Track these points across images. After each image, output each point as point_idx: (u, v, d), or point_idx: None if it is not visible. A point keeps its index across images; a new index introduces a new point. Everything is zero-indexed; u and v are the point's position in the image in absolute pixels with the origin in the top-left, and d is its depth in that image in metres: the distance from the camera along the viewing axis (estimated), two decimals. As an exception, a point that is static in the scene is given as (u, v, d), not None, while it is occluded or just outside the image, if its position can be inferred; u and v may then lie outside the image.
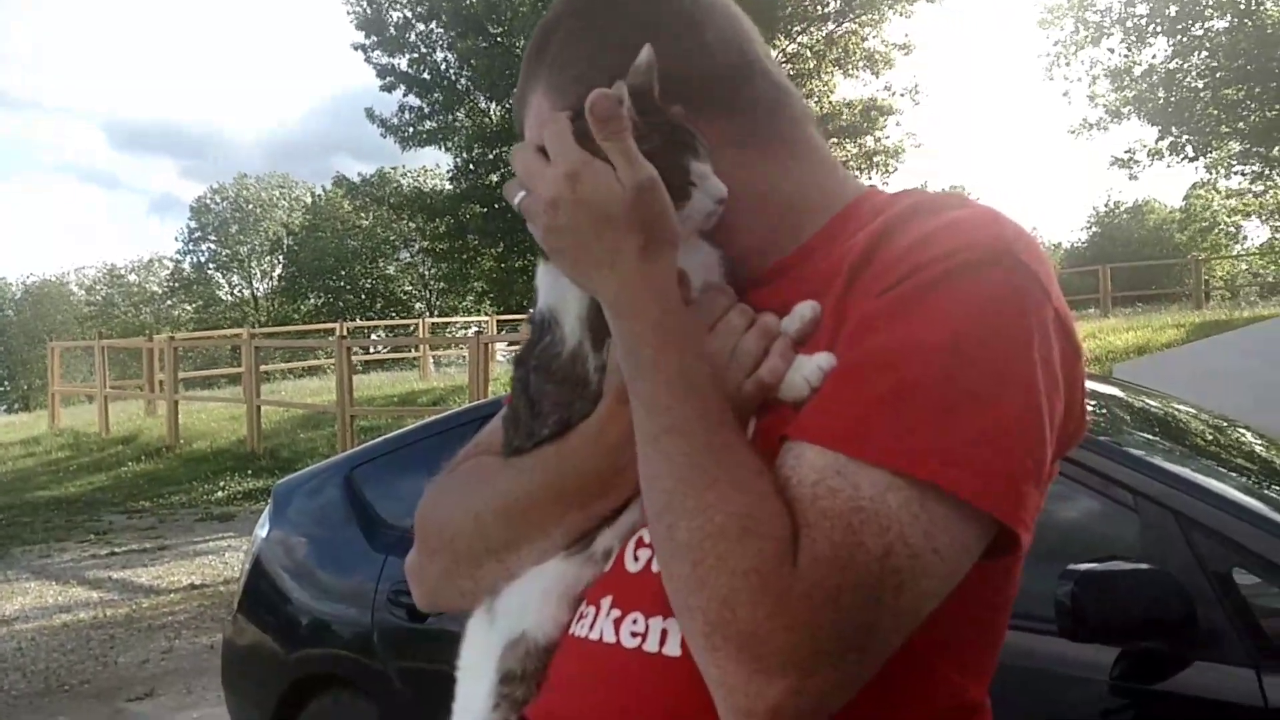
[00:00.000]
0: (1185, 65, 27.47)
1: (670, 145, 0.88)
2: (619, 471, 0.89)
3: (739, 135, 0.96)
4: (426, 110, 28.05)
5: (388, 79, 27.62)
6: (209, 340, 35.26)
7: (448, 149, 28.39)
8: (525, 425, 0.97)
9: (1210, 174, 31.53)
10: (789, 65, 24.45)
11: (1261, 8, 26.12)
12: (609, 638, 0.89)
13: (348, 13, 27.40)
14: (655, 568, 0.85)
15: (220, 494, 13.02)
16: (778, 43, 24.78)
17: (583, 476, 0.92)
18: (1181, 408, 3.55)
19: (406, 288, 54.26)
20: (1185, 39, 27.14)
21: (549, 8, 1.03)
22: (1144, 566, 2.17)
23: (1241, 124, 27.53)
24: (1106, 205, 57.30)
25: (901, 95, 27.26)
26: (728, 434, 0.80)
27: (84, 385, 25.39)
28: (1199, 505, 2.31)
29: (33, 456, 17.32)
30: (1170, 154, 28.54)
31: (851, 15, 26.35)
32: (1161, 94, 27.44)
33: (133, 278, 63.81)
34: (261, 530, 4.01)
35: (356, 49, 27.56)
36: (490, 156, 26.99)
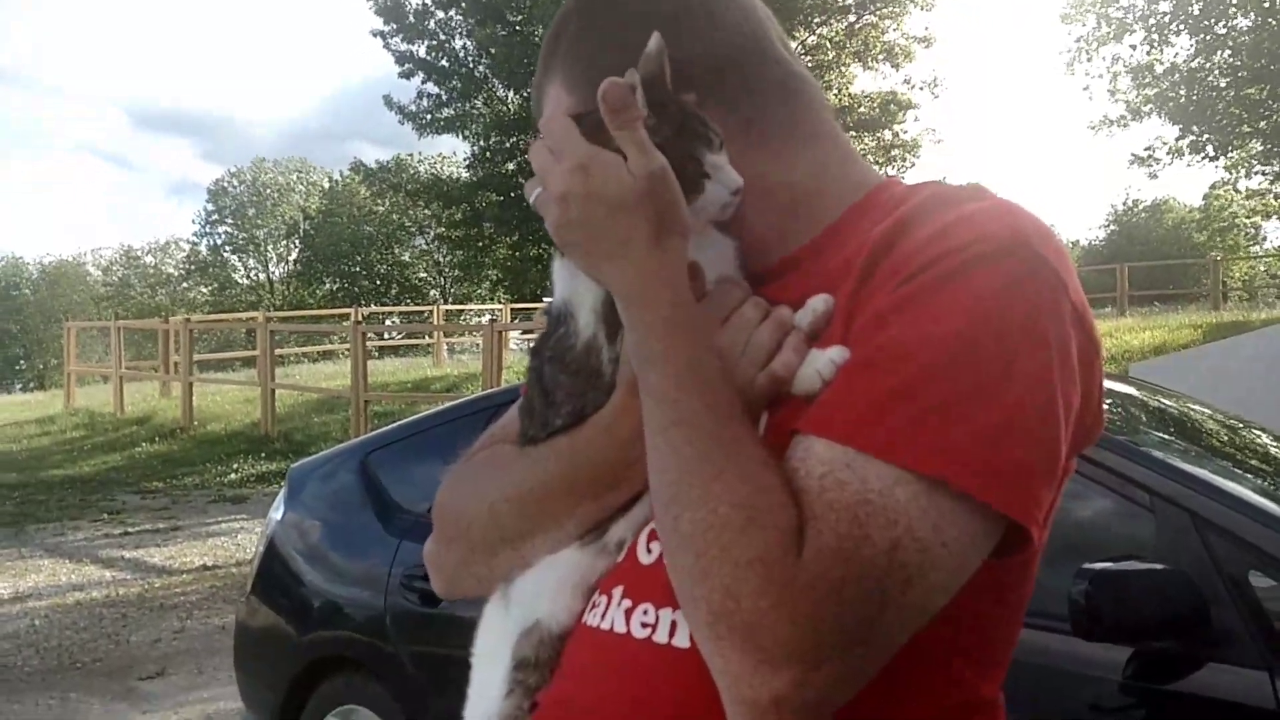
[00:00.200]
0: (1208, 64, 27.28)
1: (682, 135, 0.88)
2: (631, 463, 0.89)
3: (751, 124, 0.96)
4: (444, 97, 28.02)
5: (406, 66, 27.60)
6: (224, 323, 35.44)
7: (465, 137, 28.36)
8: (540, 416, 0.97)
9: (1230, 174, 31.32)
10: (809, 57, 24.35)
11: (1286, 6, 25.91)
12: (620, 628, 0.89)
13: (367, -1, 27.44)
14: None
15: (233, 476, 13.08)
16: (797, 34, 24.70)
17: (595, 467, 0.92)
18: (1197, 408, 3.53)
19: (421, 274, 54.38)
20: (1208, 37, 26.94)
21: None
22: (1159, 567, 2.17)
23: (1263, 124, 27.34)
24: (1125, 204, 57.16)
25: (920, 89, 27.17)
26: (736, 427, 0.80)
27: (99, 365, 25.51)
28: (1215, 506, 2.30)
29: (48, 436, 17.42)
30: (1190, 152, 28.37)
31: (872, 8, 26.25)
32: (1183, 92, 27.27)
33: (149, 259, 64.06)
34: (276, 513, 4.03)
35: (375, 35, 27.55)
36: (507, 145, 26.98)
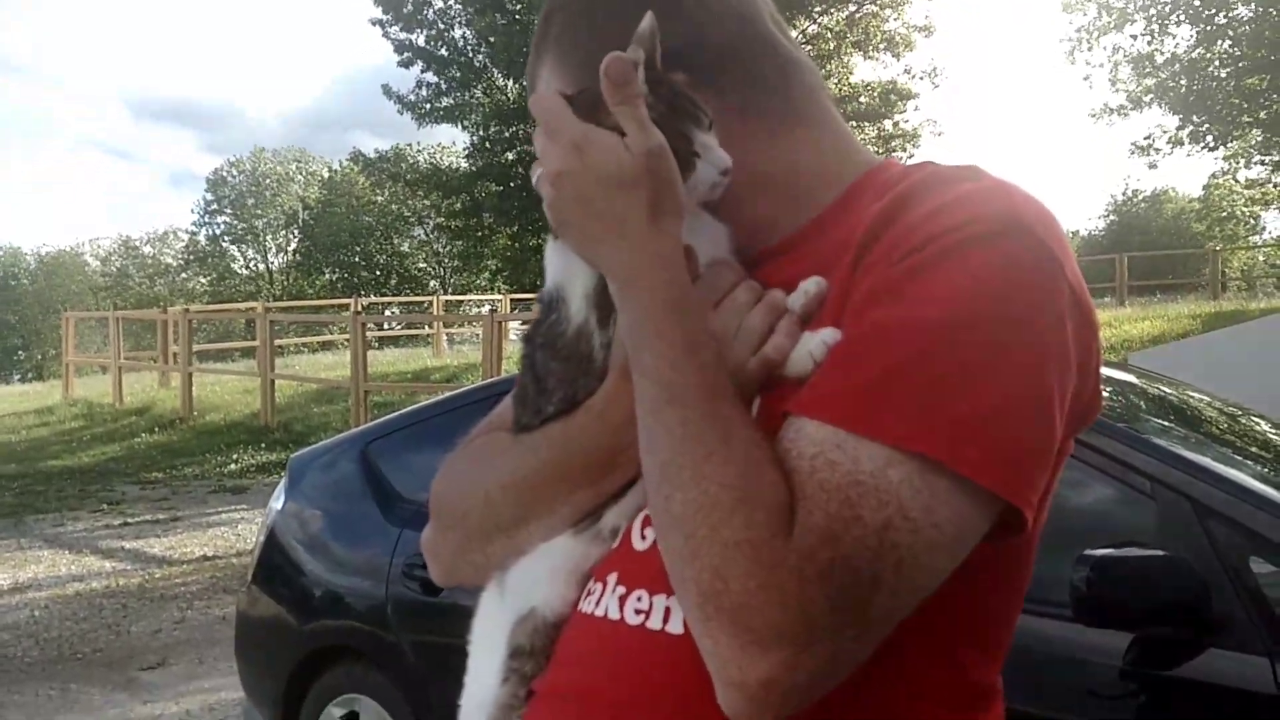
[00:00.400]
0: (1208, 54, 27.23)
1: (673, 114, 0.87)
2: (624, 449, 0.88)
3: (744, 105, 0.96)
4: (443, 87, 27.94)
5: (405, 55, 27.50)
6: (223, 313, 35.47)
7: (464, 126, 28.28)
8: (532, 403, 0.97)
9: (1230, 164, 31.28)
10: (809, 46, 24.29)
11: (1287, -4, 25.85)
12: (614, 615, 0.89)
13: (366, -13, 27.34)
14: None
15: (233, 466, 13.08)
16: (798, 24, 24.62)
17: (588, 454, 0.91)
18: (1196, 395, 3.53)
19: (421, 264, 54.32)
20: (1209, 27, 26.88)
21: None
22: (1159, 553, 2.17)
23: (1264, 114, 27.29)
24: (1124, 194, 56.97)
25: (921, 78, 27.10)
26: (728, 407, 0.79)
27: (98, 356, 25.50)
28: (1216, 493, 2.30)
29: (46, 426, 17.42)
30: (1190, 142, 28.31)
31: (874, -3, 26.18)
32: (1184, 82, 27.22)
33: (147, 249, 63.95)
34: (276, 502, 4.03)
35: (374, 24, 27.46)
36: (507, 134, 26.89)
